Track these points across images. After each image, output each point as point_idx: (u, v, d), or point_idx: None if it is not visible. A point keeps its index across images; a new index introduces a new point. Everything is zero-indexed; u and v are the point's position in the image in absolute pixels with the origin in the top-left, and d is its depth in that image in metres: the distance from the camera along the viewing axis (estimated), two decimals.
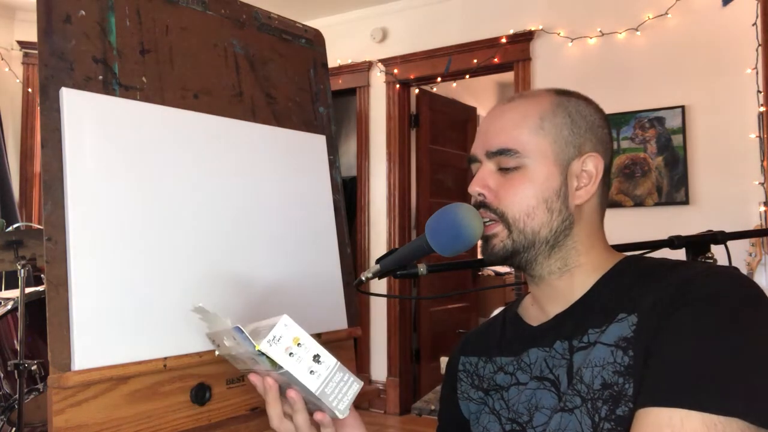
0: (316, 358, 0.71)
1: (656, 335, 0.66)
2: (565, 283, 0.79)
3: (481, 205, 0.79)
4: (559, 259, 0.79)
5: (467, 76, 4.09)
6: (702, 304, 0.64)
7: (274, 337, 0.71)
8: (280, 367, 0.72)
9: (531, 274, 0.81)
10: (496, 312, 0.97)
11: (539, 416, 0.75)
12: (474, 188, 0.80)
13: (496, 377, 0.84)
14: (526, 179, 0.77)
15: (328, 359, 0.72)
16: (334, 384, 0.71)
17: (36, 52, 1.02)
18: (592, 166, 0.78)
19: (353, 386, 0.72)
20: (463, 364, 0.91)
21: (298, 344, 0.71)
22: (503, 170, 0.78)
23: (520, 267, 0.81)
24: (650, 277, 0.72)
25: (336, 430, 0.79)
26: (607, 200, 0.83)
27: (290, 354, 0.71)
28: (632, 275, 0.75)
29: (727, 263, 1.17)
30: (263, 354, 0.71)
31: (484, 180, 0.79)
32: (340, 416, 0.72)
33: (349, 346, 1.36)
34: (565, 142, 0.78)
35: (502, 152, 0.77)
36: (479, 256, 0.86)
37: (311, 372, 0.71)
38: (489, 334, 0.90)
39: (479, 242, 0.82)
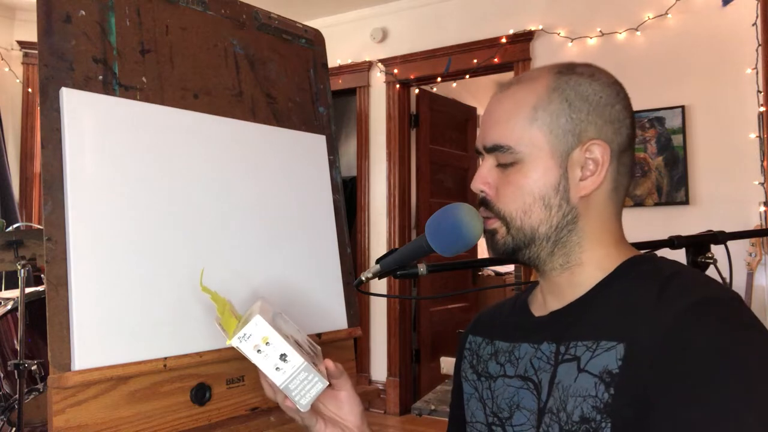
0: (283, 356, 0.78)
1: (658, 388, 0.62)
2: (565, 280, 0.77)
3: (483, 202, 0.79)
4: (562, 256, 0.76)
5: (467, 76, 4.08)
6: (704, 358, 0.60)
7: (245, 334, 0.78)
8: None
9: (537, 268, 0.80)
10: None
11: (519, 416, 0.75)
12: (476, 185, 0.79)
13: (489, 364, 0.84)
14: (522, 176, 0.74)
15: (295, 359, 0.78)
16: (298, 381, 0.78)
17: (36, 52, 1.02)
18: (598, 153, 0.73)
19: (317, 385, 0.79)
20: (469, 342, 0.91)
21: (267, 343, 0.78)
22: (501, 166, 0.76)
23: (524, 263, 0.80)
24: (643, 297, 0.68)
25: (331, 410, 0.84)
26: (625, 186, 0.78)
27: (258, 351, 0.78)
28: (628, 285, 0.72)
29: (727, 263, 1.17)
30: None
31: (484, 177, 0.78)
32: (302, 410, 0.79)
33: (349, 346, 1.36)
34: (562, 131, 0.73)
35: (496, 148, 0.76)
36: (479, 256, 0.87)
37: (277, 368, 0.78)
38: (497, 315, 0.90)
39: (482, 238, 0.82)
